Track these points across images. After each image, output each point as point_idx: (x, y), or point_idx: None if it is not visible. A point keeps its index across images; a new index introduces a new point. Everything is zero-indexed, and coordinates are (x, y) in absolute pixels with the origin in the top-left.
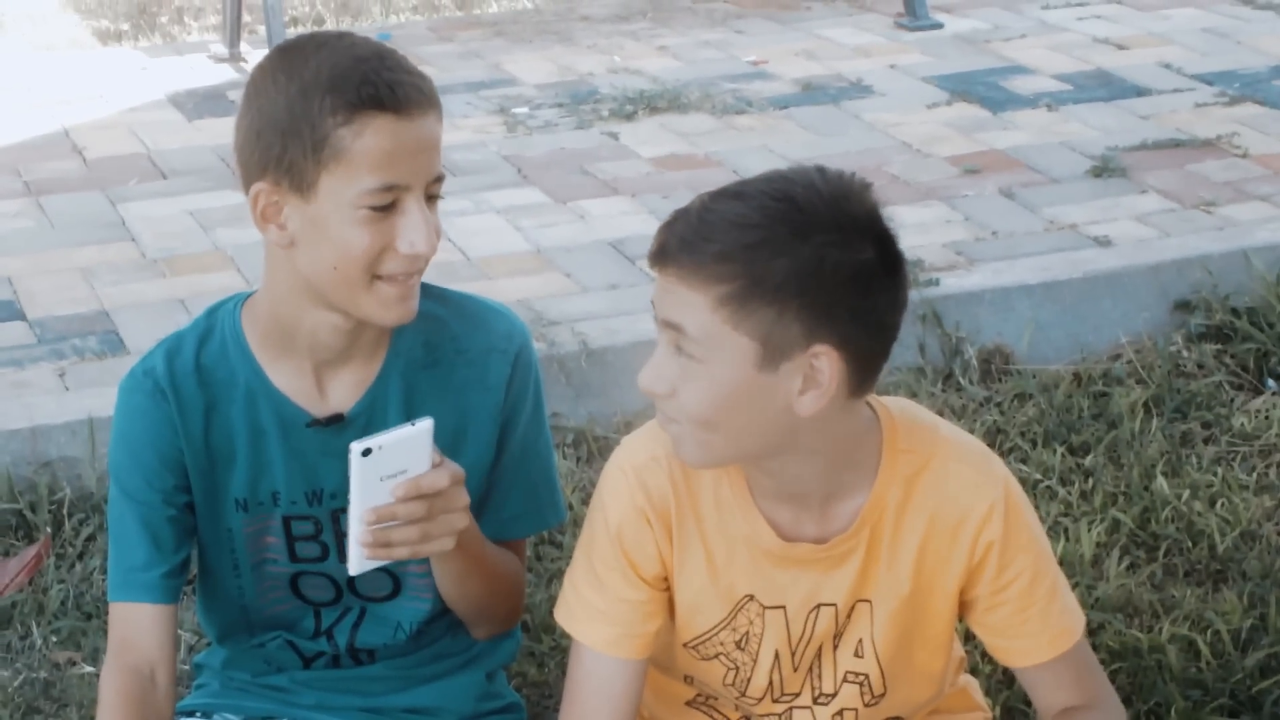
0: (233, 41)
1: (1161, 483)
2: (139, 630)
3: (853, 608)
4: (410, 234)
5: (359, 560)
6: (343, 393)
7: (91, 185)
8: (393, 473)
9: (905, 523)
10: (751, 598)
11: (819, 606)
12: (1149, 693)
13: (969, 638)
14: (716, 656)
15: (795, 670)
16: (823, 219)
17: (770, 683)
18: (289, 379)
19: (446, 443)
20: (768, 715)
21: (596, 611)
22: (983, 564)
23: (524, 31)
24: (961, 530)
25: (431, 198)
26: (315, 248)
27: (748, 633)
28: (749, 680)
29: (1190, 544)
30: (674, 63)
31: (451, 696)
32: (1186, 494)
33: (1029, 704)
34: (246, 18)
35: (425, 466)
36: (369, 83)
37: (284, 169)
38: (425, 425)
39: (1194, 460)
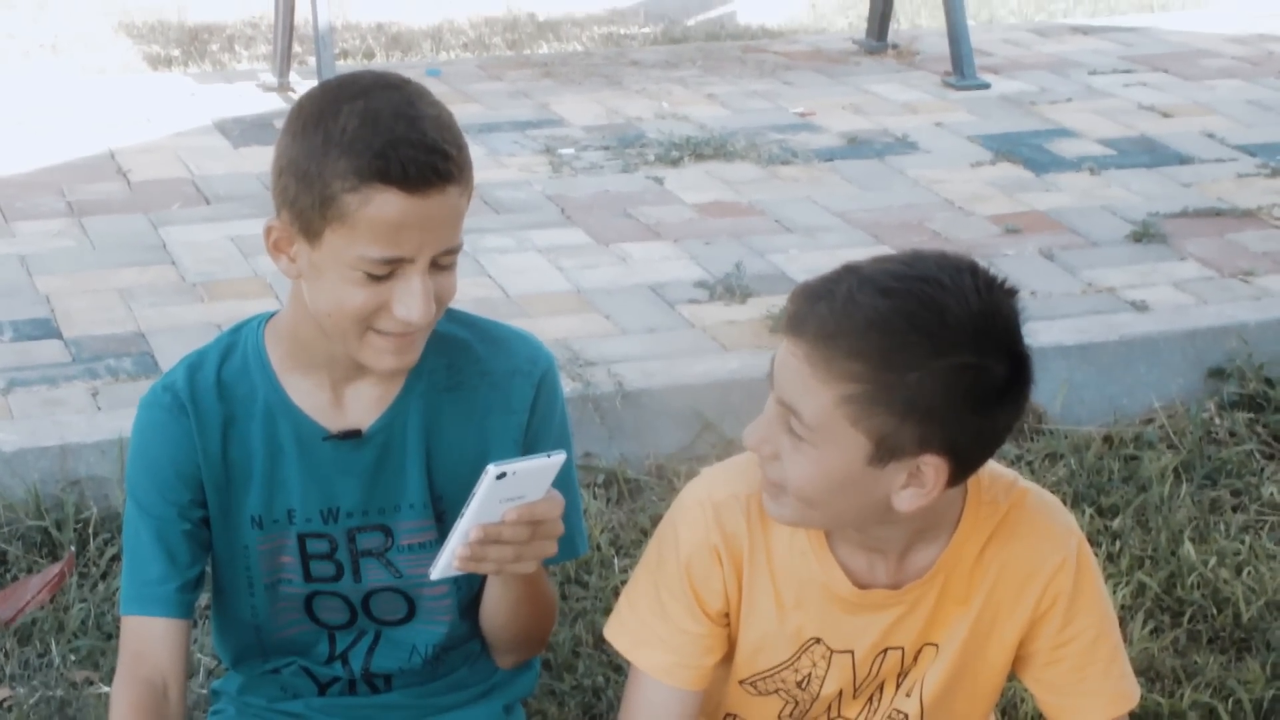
0: (282, 71)
1: (1189, 548)
2: (152, 645)
3: (919, 651)
4: (406, 303)
5: (446, 568)
6: (362, 410)
7: (134, 208)
8: (512, 497)
9: (979, 571)
10: (819, 640)
11: (886, 650)
12: None
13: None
14: (776, 692)
15: (855, 699)
16: (965, 338)
17: (829, 708)
18: (308, 396)
19: (469, 466)
20: None
21: (656, 637)
22: (1047, 616)
23: (573, 73)
24: (1031, 581)
25: (442, 266)
26: (316, 289)
27: (810, 674)
28: (807, 711)
29: (1215, 611)
30: (721, 111)
31: None
32: (1213, 561)
33: None
34: (297, 48)
35: (541, 495)
36: (383, 156)
37: (296, 212)
38: (558, 459)
39: (1222, 527)
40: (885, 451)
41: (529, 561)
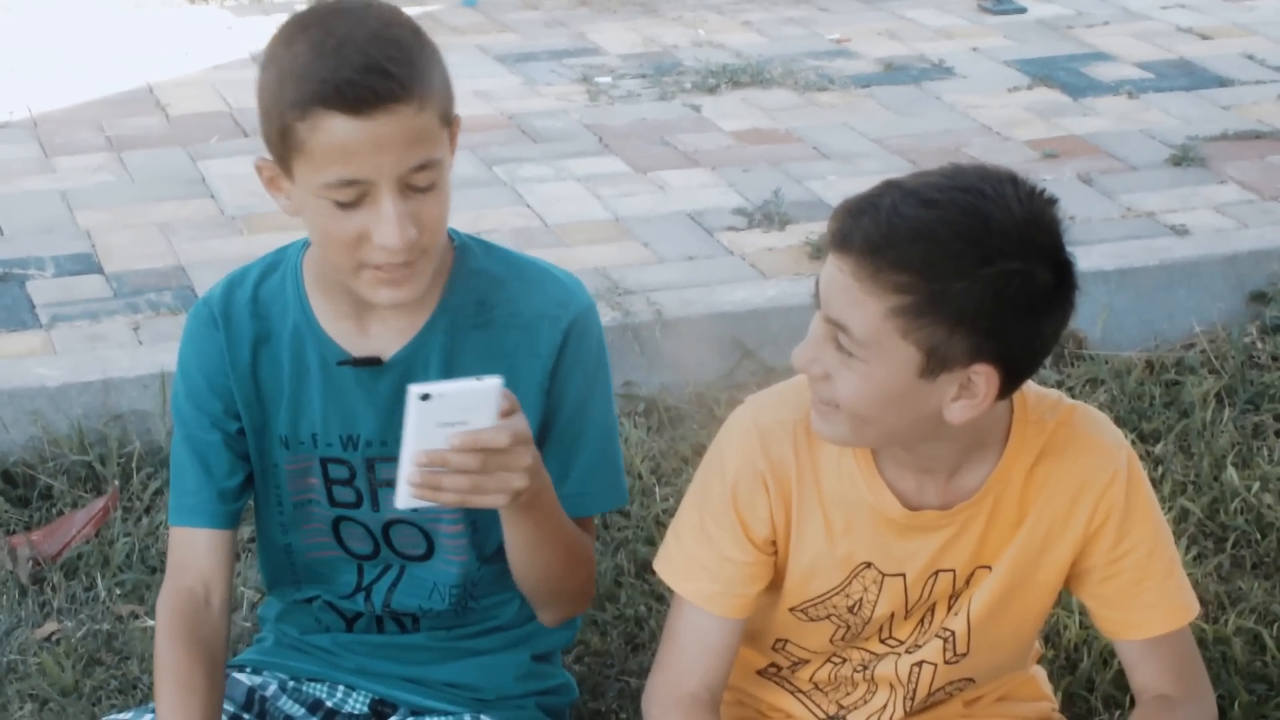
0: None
1: (1231, 473)
2: (191, 554)
3: (972, 574)
4: (380, 229)
5: (406, 497)
6: (386, 338)
7: (173, 142)
8: (451, 421)
9: (1030, 490)
10: (869, 565)
11: (938, 572)
12: (1213, 685)
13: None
14: (827, 617)
15: (906, 620)
16: (1010, 244)
17: (879, 629)
18: (335, 320)
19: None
20: (861, 651)
21: (700, 566)
22: (1100, 531)
23: (609, 2)
24: (1083, 496)
25: (417, 188)
26: (308, 224)
27: (861, 599)
28: (859, 634)
29: (1259, 536)
30: (758, 38)
31: (493, 674)
32: (1256, 486)
33: (1090, 691)
34: None
35: (488, 422)
36: (325, 80)
37: (270, 147)
38: (492, 383)
39: (1265, 452)
40: (936, 362)
41: (493, 494)
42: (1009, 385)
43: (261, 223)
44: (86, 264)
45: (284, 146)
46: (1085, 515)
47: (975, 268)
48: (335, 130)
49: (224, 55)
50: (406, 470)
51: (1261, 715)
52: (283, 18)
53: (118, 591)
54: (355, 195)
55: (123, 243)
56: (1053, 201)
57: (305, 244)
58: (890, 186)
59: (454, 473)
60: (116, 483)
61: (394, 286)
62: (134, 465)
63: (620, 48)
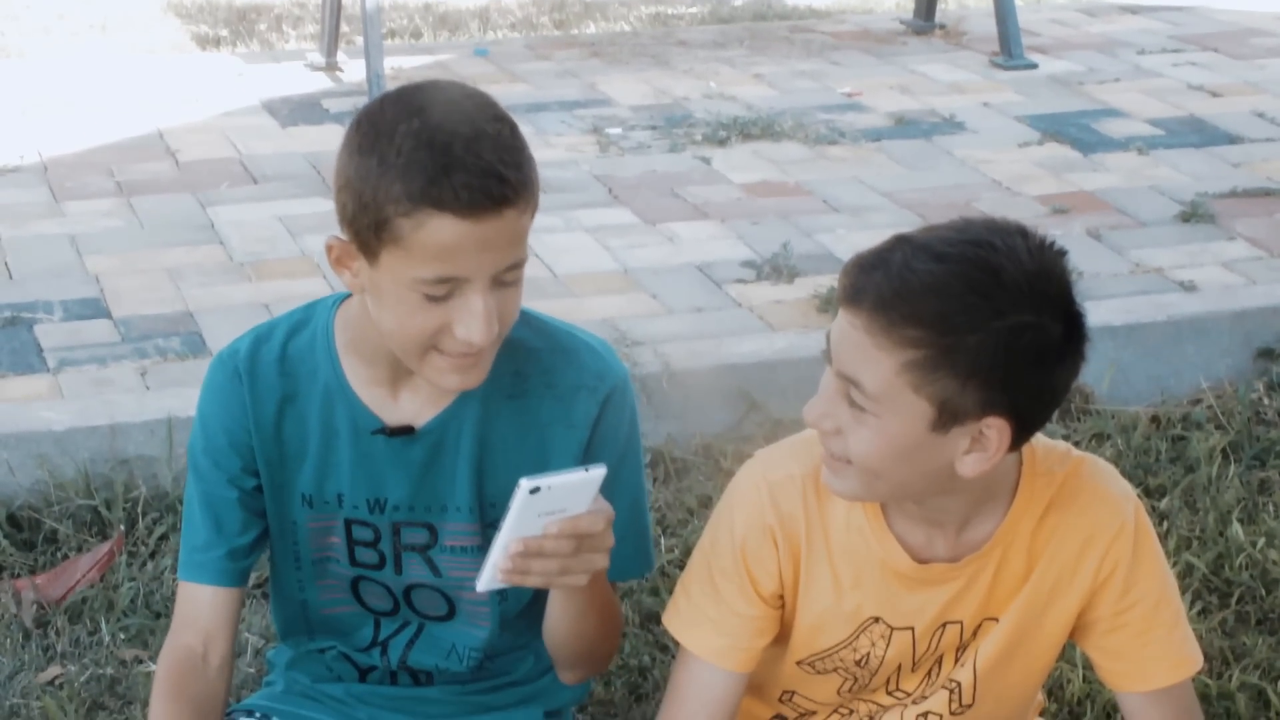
0: (330, 51)
1: (1237, 529)
2: (195, 610)
3: (979, 626)
4: (466, 323)
5: (491, 580)
6: (419, 406)
7: (183, 187)
8: (551, 510)
9: (1038, 542)
10: (878, 619)
11: (945, 624)
12: None
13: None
14: (834, 670)
15: (914, 673)
16: (1021, 297)
17: (886, 682)
18: (367, 385)
19: (525, 475)
20: (868, 704)
21: (707, 620)
22: (1108, 583)
23: (621, 53)
24: (1090, 548)
25: (505, 284)
26: (378, 307)
27: (869, 653)
28: (866, 686)
29: (1264, 592)
30: (769, 91)
31: None
32: (1262, 541)
33: None
34: (344, 28)
35: (584, 508)
36: (436, 182)
37: (354, 231)
38: (598, 474)
39: (1270, 508)
40: (948, 416)
41: (577, 575)
42: (1020, 437)
43: (270, 270)
44: (95, 309)
45: (376, 235)
46: (1093, 567)
47: (988, 321)
48: (444, 231)
49: (234, 102)
50: (498, 557)
51: None
52: (293, 66)
53: (121, 636)
54: (447, 291)
55: (131, 288)
56: (1062, 253)
57: (337, 301)
58: (901, 241)
59: (546, 557)
60: (122, 527)
61: (463, 373)
62: (139, 510)
63: (631, 99)
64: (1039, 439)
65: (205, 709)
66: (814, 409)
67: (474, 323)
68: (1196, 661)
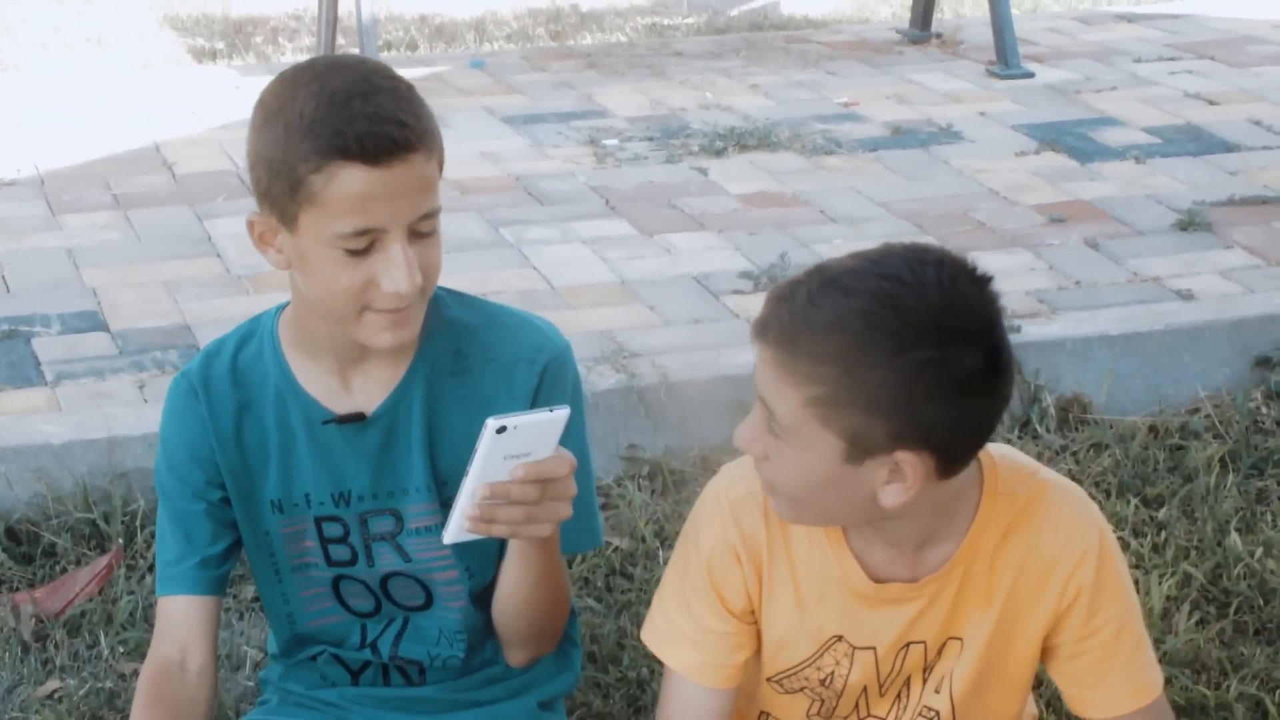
0: None
1: (1235, 539)
2: (170, 621)
3: (943, 645)
4: (390, 275)
5: (458, 530)
6: (368, 393)
7: (180, 200)
8: (517, 454)
9: (999, 563)
10: (840, 638)
11: (909, 645)
12: None
13: (1038, 684)
14: (801, 690)
15: (882, 697)
16: (926, 332)
17: (856, 706)
18: (316, 380)
19: (472, 452)
20: None
21: (684, 637)
22: (1071, 609)
23: (617, 64)
24: (1053, 573)
25: (421, 234)
26: (306, 276)
27: (833, 672)
28: (834, 709)
29: (1262, 602)
30: (765, 101)
31: None
32: (1260, 551)
33: None
34: (340, 40)
35: (549, 453)
36: (339, 132)
37: (271, 201)
38: (562, 414)
39: (1269, 518)
40: (859, 450)
41: (543, 524)
42: (947, 468)
43: (267, 282)
44: (92, 321)
45: (292, 198)
46: (1056, 592)
47: (890, 358)
48: (353, 181)
49: (231, 114)
50: (465, 504)
51: None
52: None
53: (120, 649)
54: (367, 243)
55: (129, 301)
56: (983, 281)
57: (279, 309)
58: (814, 273)
59: (511, 504)
60: (120, 540)
61: (395, 329)
62: (138, 523)
63: (627, 110)
64: (1005, 456)
65: (185, 712)
66: (743, 433)
67: (397, 273)
68: (1155, 688)
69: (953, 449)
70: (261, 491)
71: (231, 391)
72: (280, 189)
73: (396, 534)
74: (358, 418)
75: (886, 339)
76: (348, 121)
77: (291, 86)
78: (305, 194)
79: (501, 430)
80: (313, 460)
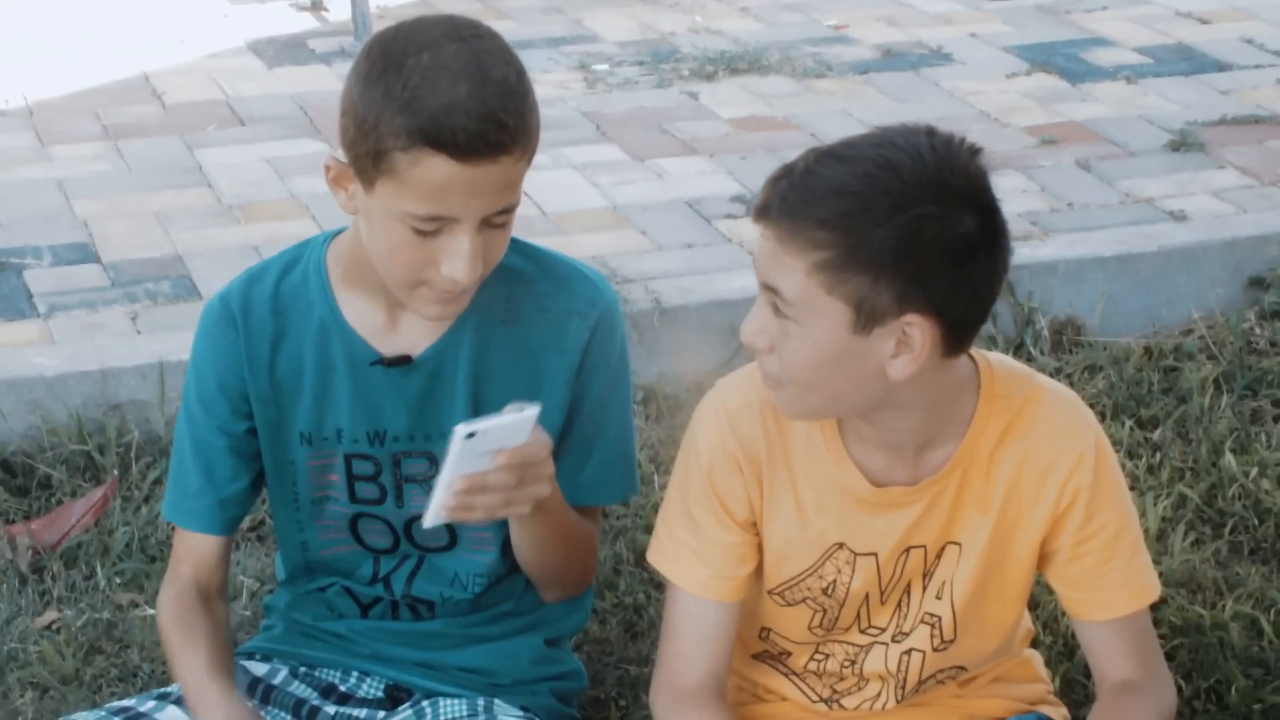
0: None
1: (1230, 459)
2: (188, 553)
3: (942, 549)
4: (452, 262)
5: (436, 517)
6: (415, 336)
7: (169, 130)
8: (490, 450)
9: (997, 466)
10: (841, 545)
11: (909, 549)
12: (1210, 670)
13: (1034, 604)
14: (803, 601)
15: (883, 604)
16: (924, 190)
17: (858, 616)
18: (363, 317)
19: (519, 399)
20: (843, 645)
21: (690, 552)
22: (1069, 512)
23: None
24: (1050, 475)
25: (494, 226)
26: (370, 231)
27: (835, 580)
28: (835, 620)
29: (1257, 522)
30: (755, 25)
31: (507, 659)
32: (1255, 471)
33: (1088, 676)
34: None
35: (523, 442)
36: (435, 119)
37: (352, 156)
38: (531, 413)
39: (1263, 438)
40: (866, 316)
41: (520, 505)
42: (953, 340)
43: (259, 212)
44: (84, 253)
45: (374, 164)
46: (1053, 495)
47: (889, 215)
48: (438, 170)
49: (220, 43)
50: (443, 496)
51: (1258, 700)
52: (279, 6)
53: (117, 580)
54: (436, 227)
55: (120, 232)
56: (975, 151)
57: (328, 238)
58: (809, 152)
59: (490, 491)
60: (115, 472)
61: (445, 305)
62: (133, 455)
63: (618, 35)
64: (1000, 363)
65: (222, 632)
66: (748, 326)
67: (459, 262)
68: (1153, 591)
69: (957, 315)
70: (291, 422)
71: (270, 319)
72: (365, 150)
73: (430, 477)
74: (404, 360)
75: (886, 198)
76: (447, 111)
77: (404, 48)
78: (387, 165)
79: (471, 436)
80: (350, 397)
